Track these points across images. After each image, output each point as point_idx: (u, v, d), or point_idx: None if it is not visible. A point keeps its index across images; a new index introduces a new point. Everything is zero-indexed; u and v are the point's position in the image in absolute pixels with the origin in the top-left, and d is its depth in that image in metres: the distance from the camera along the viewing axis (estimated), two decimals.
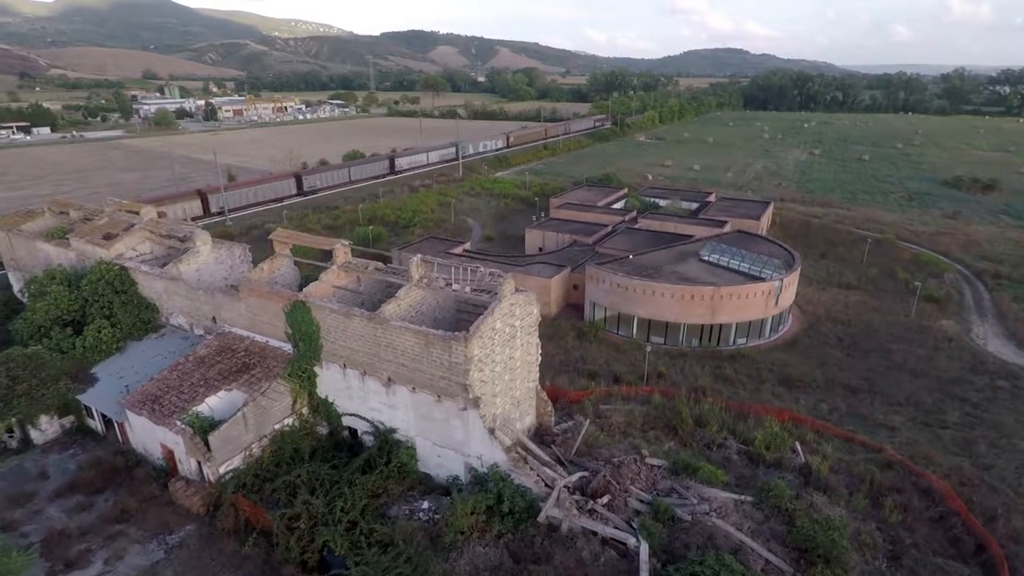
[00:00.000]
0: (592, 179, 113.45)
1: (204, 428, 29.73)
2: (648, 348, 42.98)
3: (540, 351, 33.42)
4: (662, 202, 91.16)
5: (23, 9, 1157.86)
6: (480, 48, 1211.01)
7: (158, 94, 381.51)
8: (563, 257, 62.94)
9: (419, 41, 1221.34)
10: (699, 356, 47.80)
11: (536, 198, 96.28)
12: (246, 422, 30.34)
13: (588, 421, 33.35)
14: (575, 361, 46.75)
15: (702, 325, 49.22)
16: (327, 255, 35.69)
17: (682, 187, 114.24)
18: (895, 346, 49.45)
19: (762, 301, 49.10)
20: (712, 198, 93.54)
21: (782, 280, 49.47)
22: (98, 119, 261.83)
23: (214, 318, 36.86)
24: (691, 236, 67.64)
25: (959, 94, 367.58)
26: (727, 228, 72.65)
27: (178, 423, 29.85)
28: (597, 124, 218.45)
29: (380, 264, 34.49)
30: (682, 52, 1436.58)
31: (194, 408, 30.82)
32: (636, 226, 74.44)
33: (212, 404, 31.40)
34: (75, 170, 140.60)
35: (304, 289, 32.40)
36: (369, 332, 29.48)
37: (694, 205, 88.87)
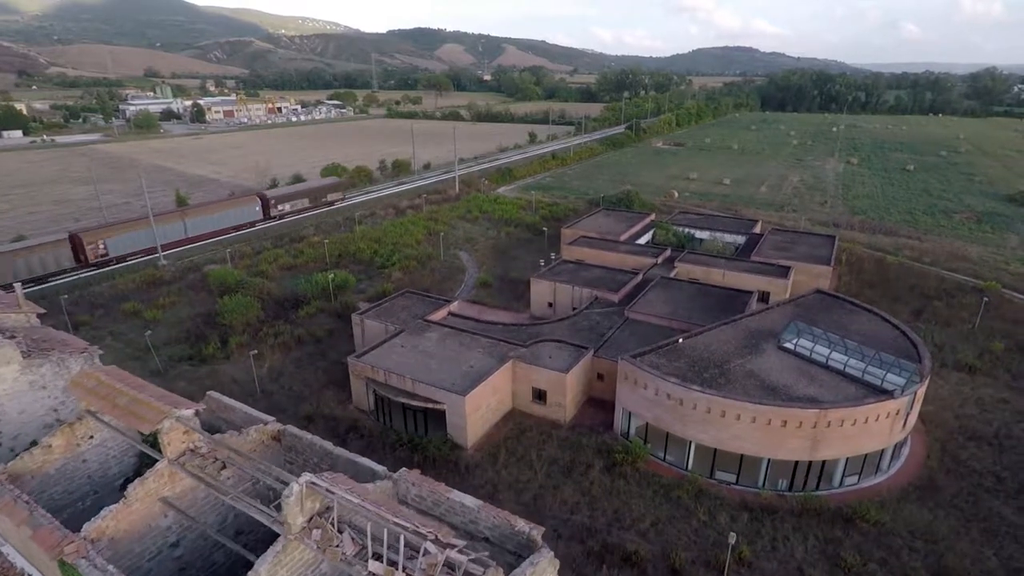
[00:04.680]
0: (610, 199, 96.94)
1: None
2: (732, 539, 26.58)
3: None
4: (698, 233, 74.65)
5: (28, 8, 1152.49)
6: (487, 46, 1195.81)
7: (151, 93, 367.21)
8: (581, 328, 46.62)
9: (426, 39, 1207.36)
10: (794, 513, 31.40)
11: (544, 228, 79.76)
12: None
13: None
14: (604, 525, 30.51)
15: (796, 461, 32.84)
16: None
17: (717, 209, 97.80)
18: None
19: (887, 426, 32.69)
20: (759, 228, 77.02)
21: (915, 393, 33.03)
22: (80, 121, 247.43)
23: None
24: (750, 294, 51.26)
25: (990, 95, 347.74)
26: (790, 279, 56.31)
27: None
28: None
29: (240, 466, 18.22)
30: (691, 50, 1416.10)
31: None
32: (673, 273, 58.02)
33: None
34: (26, 182, 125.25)
35: (87, 525, 16.23)
36: None
37: (739, 238, 72.33)
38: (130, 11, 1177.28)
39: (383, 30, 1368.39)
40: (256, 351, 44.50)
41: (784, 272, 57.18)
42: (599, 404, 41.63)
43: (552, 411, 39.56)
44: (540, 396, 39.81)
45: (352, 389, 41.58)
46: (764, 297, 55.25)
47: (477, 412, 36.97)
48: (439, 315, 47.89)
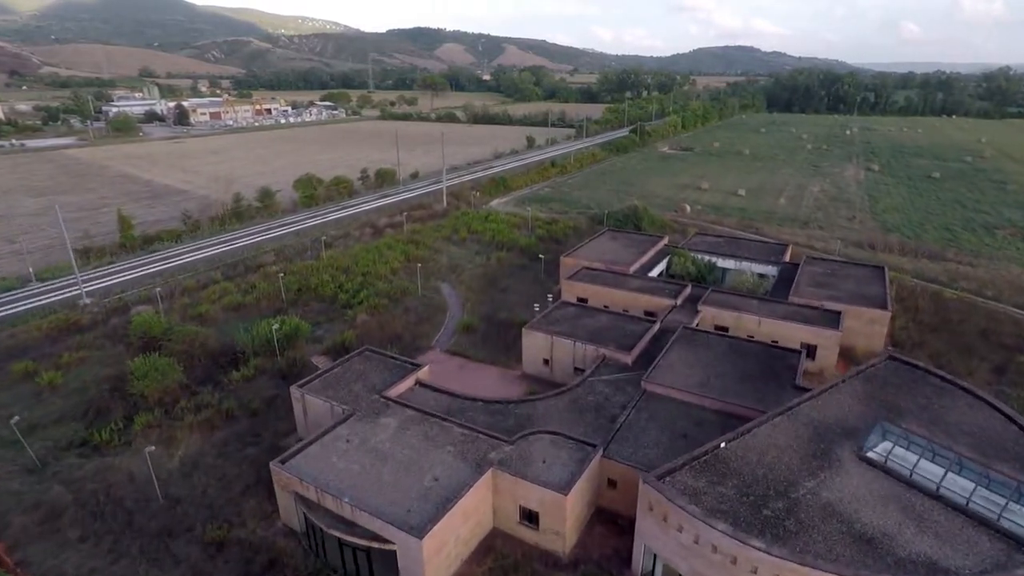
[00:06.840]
0: (615, 216, 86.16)
1: None
2: None
3: None
4: (721, 262, 63.90)
5: (25, 7, 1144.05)
6: (487, 46, 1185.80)
7: (139, 94, 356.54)
8: (585, 407, 35.92)
9: (425, 39, 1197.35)
10: None
11: (541, 255, 68.84)
12: None
13: None
14: None
15: None
16: None
17: (736, 226, 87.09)
18: None
19: None
20: (789, 254, 66.29)
21: None
22: (59, 123, 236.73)
23: None
24: (796, 353, 40.60)
25: (1004, 95, 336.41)
26: (842, 328, 45.67)
27: None
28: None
29: None
30: (691, 50, 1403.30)
31: None
32: (697, 321, 47.44)
33: None
34: None
35: None
36: None
37: (770, 269, 61.62)
38: (128, 10, 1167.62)
39: (383, 29, 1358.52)
40: (153, 447, 33.71)
41: (834, 320, 46.54)
42: (610, 520, 31.05)
43: (547, 539, 28.94)
44: (531, 518, 29.21)
45: (279, 502, 30.97)
46: (811, 352, 44.76)
47: (440, 554, 26.35)
48: (402, 387, 37.24)
